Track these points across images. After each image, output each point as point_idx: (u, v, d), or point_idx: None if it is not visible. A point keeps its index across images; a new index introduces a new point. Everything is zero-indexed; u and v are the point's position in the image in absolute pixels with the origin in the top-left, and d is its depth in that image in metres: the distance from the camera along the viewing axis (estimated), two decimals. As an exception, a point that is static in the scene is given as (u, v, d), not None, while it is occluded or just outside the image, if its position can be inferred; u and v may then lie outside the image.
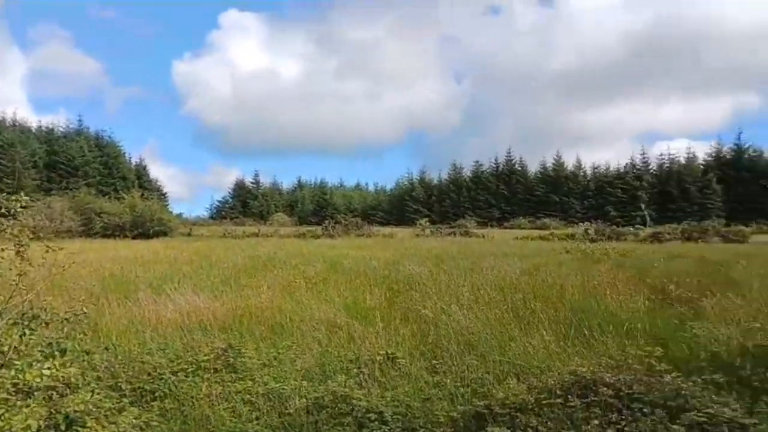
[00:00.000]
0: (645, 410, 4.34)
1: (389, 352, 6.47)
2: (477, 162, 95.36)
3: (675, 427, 4.09)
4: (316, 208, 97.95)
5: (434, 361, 6.38)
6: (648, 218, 61.41)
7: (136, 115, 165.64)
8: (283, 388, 5.47)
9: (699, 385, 4.80)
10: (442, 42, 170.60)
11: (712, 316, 8.08)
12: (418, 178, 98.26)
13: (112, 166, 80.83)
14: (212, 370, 5.93)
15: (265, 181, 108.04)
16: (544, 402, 4.69)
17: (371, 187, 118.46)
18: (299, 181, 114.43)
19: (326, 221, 49.68)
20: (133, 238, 39.00)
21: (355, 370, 6.08)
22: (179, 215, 68.13)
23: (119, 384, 5.52)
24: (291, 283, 11.94)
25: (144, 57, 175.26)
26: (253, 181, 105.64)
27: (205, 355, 6.20)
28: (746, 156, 78.99)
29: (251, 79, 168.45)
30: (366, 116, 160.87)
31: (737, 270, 14.46)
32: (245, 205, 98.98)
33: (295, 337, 7.39)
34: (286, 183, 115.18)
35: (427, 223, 57.68)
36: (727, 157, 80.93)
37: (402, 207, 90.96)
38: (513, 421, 4.52)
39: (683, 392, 4.54)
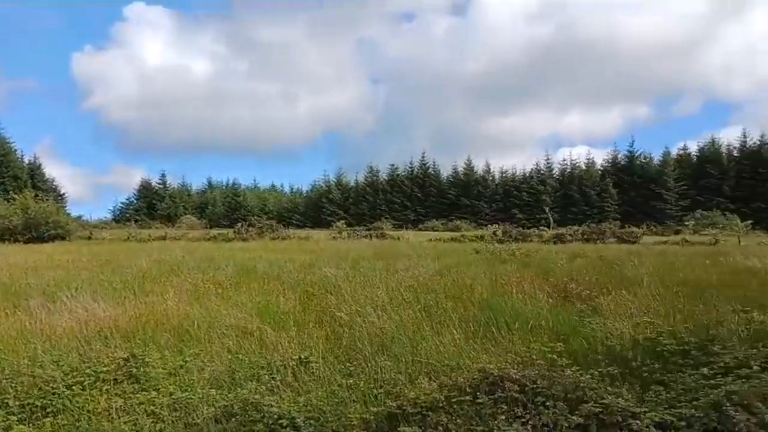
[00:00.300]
0: (547, 404, 4.55)
1: (302, 356, 6.38)
2: (393, 165, 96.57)
3: (573, 417, 4.32)
4: (227, 210, 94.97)
5: (348, 364, 6.37)
6: (551, 220, 64.87)
7: (30, 110, 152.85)
8: (190, 398, 5.25)
9: (596, 378, 5.11)
10: (358, 45, 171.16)
11: (608, 311, 8.65)
12: (335, 180, 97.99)
13: (1, 164, 74.38)
14: (112, 382, 5.59)
15: (173, 181, 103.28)
16: (454, 400, 4.81)
17: (287, 189, 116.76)
18: (210, 182, 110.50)
19: (239, 223, 48.27)
20: (26, 242, 36.02)
21: (266, 376, 5.95)
22: (79, 217, 63.77)
23: (6, 400, 5.08)
24: (199, 288, 11.51)
25: (40, 48, 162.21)
26: (160, 181, 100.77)
27: (104, 366, 5.84)
28: (638, 162, 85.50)
29: (158, 76, 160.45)
30: (281, 117, 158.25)
31: (630, 268, 15.56)
32: (151, 206, 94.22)
33: (203, 344, 7.12)
34: (196, 184, 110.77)
35: (344, 226, 57.69)
36: (622, 163, 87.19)
37: (318, 209, 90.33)
38: (424, 420, 4.60)
39: (582, 385, 4.81)
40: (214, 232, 49.06)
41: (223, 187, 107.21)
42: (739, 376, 5.17)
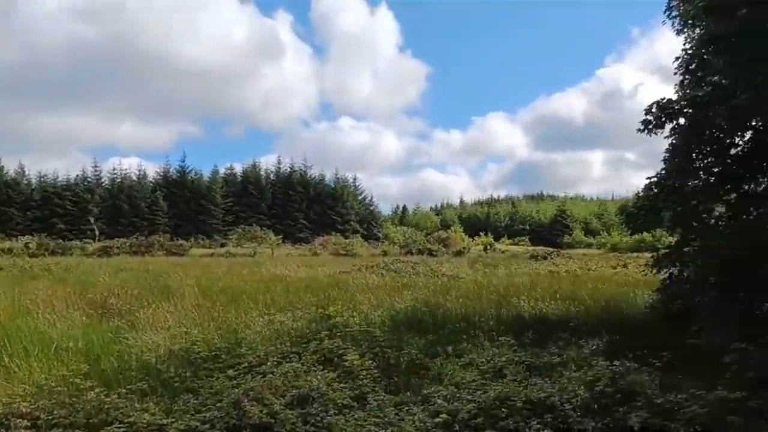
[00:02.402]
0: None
1: None
2: None
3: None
4: None
5: None
6: (97, 232, 60.39)
7: None
8: None
9: (123, 396, 4.85)
10: None
11: (147, 325, 8.46)
12: None
13: None
14: None
15: None
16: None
17: None
18: None
19: None
20: None
21: None
22: None
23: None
24: None
25: None
26: None
27: None
28: (189, 177, 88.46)
29: None
30: None
31: (175, 280, 15.78)
32: None
33: None
34: None
35: None
36: (174, 177, 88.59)
37: None
38: None
39: (106, 406, 4.48)
40: None
41: None
42: (258, 372, 5.79)
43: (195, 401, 5.05)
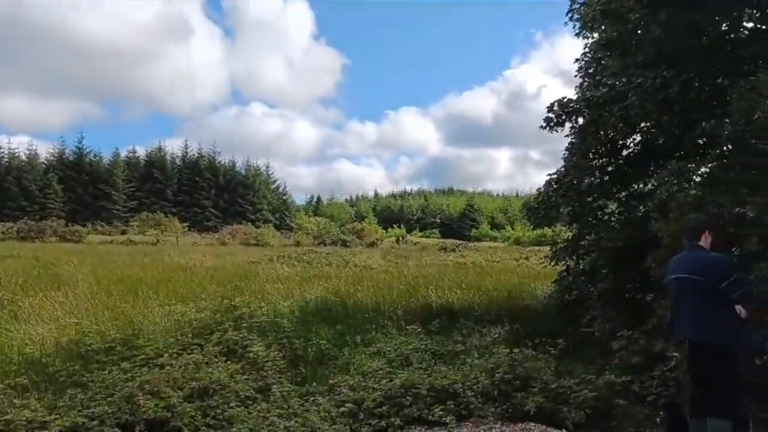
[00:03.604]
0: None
1: None
2: None
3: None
4: None
5: None
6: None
7: None
8: None
9: (0, 392, 4.44)
10: None
11: (33, 315, 7.81)
12: None
13: None
14: None
15: None
16: None
17: None
18: None
19: None
20: None
21: None
22: None
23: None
24: None
25: None
26: None
27: None
28: (87, 160, 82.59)
29: None
30: None
31: (68, 268, 14.70)
32: None
33: None
34: None
35: None
36: (70, 159, 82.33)
37: None
38: None
39: (-23, 405, 4.07)
40: None
41: None
42: (155, 365, 5.50)
43: (83, 396, 4.70)
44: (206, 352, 6.04)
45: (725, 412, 3.72)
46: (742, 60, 6.30)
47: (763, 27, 6.49)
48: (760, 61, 5.89)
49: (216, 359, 5.84)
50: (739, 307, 3.74)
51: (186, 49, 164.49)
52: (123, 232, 56.10)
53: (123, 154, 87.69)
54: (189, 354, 5.87)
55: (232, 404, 4.71)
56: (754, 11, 6.56)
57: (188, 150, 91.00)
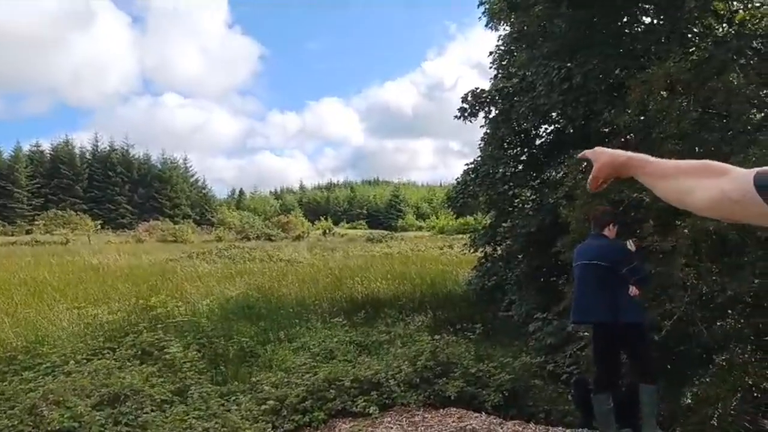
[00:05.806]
0: None
1: None
2: None
3: None
4: None
5: None
6: None
7: None
8: None
9: None
10: None
11: None
12: None
13: None
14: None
15: None
16: None
17: None
18: None
19: None
20: None
21: None
22: None
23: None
24: None
25: None
26: None
27: None
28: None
29: None
30: None
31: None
32: None
33: None
34: None
35: None
36: (-36, 154, 75.89)
37: None
38: None
39: None
40: None
41: None
42: (62, 372, 5.18)
43: (-21, 411, 4.36)
44: (119, 355, 5.77)
45: (652, 379, 4.03)
46: (638, 53, 6.71)
47: (657, 22, 6.94)
48: (653, 56, 6.30)
49: (129, 363, 5.58)
50: (632, 288, 4.03)
51: (91, 37, 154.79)
52: (28, 232, 52.33)
53: (26, 148, 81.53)
54: (99, 359, 5.58)
55: (146, 409, 4.51)
56: (650, 6, 6.99)
57: (99, 143, 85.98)
